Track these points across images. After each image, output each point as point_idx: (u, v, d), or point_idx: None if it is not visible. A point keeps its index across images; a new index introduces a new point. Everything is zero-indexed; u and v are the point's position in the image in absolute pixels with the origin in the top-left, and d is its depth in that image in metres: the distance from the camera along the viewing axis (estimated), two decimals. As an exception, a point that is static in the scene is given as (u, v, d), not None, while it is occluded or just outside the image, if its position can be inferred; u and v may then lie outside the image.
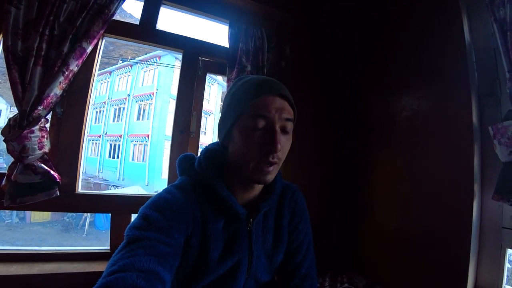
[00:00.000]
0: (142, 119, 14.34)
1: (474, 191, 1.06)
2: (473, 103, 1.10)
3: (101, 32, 1.19)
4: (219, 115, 0.71)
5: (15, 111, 1.05)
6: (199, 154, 0.73)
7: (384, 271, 1.39)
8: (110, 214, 1.33)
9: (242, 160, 0.62)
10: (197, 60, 1.51)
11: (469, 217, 1.06)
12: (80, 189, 1.27)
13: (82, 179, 1.33)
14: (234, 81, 0.70)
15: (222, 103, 0.72)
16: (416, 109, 1.33)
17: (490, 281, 1.05)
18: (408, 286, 1.26)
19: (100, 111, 16.49)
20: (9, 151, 1.02)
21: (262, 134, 0.60)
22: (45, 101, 1.06)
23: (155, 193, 0.66)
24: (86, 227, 8.95)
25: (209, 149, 0.72)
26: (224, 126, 0.66)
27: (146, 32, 1.41)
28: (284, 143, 0.63)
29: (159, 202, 0.59)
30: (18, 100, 1.03)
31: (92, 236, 8.68)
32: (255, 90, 0.61)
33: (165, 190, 0.64)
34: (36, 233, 8.33)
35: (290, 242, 0.77)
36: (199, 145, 1.53)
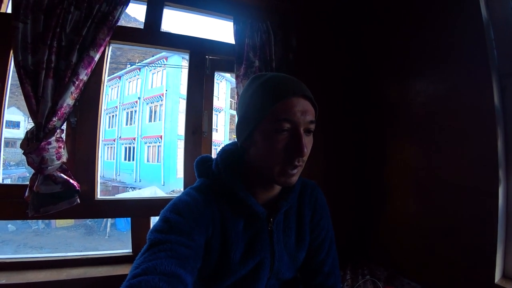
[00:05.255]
0: (154, 121, 14.58)
1: (499, 176, 1.01)
2: (494, 83, 1.04)
3: (107, 39, 1.20)
4: (237, 116, 0.69)
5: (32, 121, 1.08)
6: (215, 155, 0.72)
7: (406, 260, 1.36)
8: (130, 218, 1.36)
9: (266, 164, 0.61)
10: (204, 59, 1.50)
11: (494, 203, 1.01)
12: (99, 195, 1.30)
13: (100, 183, 1.36)
14: (250, 80, 0.67)
15: (237, 104, 0.70)
16: (432, 93, 1.27)
17: (521, 268, 1.01)
18: (431, 275, 1.22)
19: (113, 115, 16.88)
20: (29, 163, 1.05)
21: (287, 139, 0.58)
22: (59, 112, 1.09)
23: (172, 192, 0.67)
24: (108, 229, 9.25)
25: (226, 150, 0.71)
26: (244, 129, 0.64)
27: (151, 35, 1.41)
28: (308, 145, 0.61)
29: (179, 205, 0.60)
30: (33, 113, 1.06)
31: (114, 237, 8.98)
32: (277, 91, 0.59)
33: (184, 193, 0.65)
34: (62, 237, 8.68)
35: (312, 240, 0.76)
36: (212, 143, 1.53)
